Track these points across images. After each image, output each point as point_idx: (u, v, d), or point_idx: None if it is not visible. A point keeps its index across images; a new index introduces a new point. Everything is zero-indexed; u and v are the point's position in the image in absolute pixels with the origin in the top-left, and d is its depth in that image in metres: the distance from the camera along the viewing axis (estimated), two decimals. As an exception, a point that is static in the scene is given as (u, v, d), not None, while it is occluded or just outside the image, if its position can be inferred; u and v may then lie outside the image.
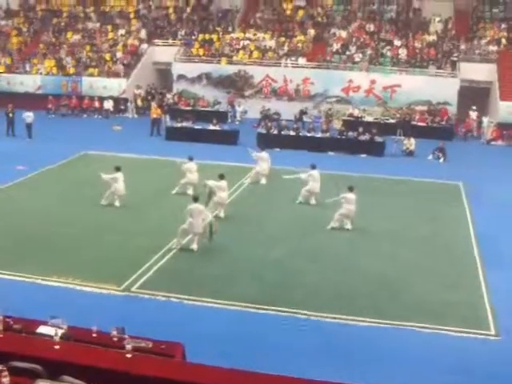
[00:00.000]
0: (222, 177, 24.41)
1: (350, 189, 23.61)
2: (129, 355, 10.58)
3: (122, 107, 49.71)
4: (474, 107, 44.98)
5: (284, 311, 17.04)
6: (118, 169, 25.33)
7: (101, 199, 25.18)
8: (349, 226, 23.61)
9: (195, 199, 21.38)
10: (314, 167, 26.84)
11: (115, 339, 11.79)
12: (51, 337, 11.10)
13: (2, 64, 53.07)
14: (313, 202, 26.74)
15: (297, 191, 26.72)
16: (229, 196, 26.04)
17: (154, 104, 44.69)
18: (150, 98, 49.79)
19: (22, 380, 9.06)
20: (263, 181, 30.04)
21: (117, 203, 25.34)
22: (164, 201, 26.39)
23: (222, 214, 24.44)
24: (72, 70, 51.29)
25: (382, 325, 16.51)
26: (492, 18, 51.83)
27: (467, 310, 17.70)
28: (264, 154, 30.18)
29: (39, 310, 13.19)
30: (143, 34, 54.13)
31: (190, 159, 27.32)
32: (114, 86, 50.27)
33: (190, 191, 26.29)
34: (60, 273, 18.82)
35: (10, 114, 39.33)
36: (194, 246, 21.05)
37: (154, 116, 42.20)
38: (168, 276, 19.33)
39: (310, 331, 16.18)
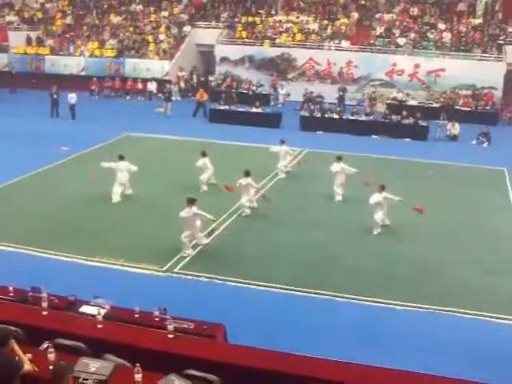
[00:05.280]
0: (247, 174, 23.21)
1: (383, 188, 21.83)
2: (170, 336, 10.71)
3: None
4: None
5: (324, 294, 17.07)
6: (121, 157, 24.56)
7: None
8: (387, 222, 22.46)
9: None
10: (339, 159, 25.36)
11: (157, 320, 11.94)
12: (94, 316, 11.27)
13: (46, 46, 53.62)
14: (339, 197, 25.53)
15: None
16: (269, 180, 26.26)
17: (201, 89, 44.46)
18: (196, 81, 50.07)
19: (67, 357, 9.22)
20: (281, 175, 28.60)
21: (128, 191, 24.82)
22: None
23: (254, 204, 23.85)
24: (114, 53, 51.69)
25: (421, 309, 16.45)
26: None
27: (509, 297, 17.56)
28: (281, 148, 28.57)
29: (82, 289, 13.35)
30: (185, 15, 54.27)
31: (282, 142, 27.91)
32: (157, 68, 50.39)
33: None
34: (103, 254, 19.09)
35: (55, 96, 39.78)
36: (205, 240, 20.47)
37: (199, 99, 42.30)
38: (210, 258, 19.47)
39: (349, 314, 16.20)
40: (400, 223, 22.55)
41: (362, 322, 15.82)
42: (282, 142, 28.64)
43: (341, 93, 44.89)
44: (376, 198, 21.69)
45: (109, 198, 24.03)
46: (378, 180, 23.06)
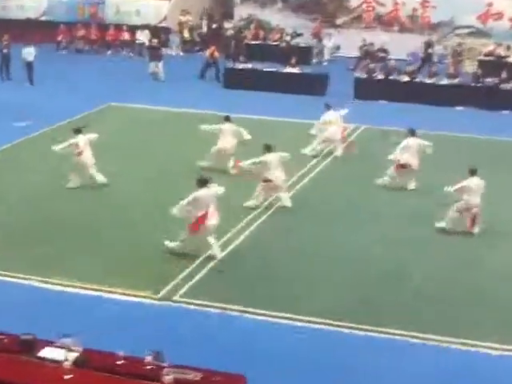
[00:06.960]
0: (268, 149, 23.56)
1: (473, 172, 21.96)
2: (169, 391, 10.77)
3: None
4: None
5: (384, 332, 16.85)
6: (77, 131, 24.93)
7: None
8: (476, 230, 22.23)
9: (204, 182, 20.14)
10: (412, 133, 25.72)
11: (150, 368, 11.98)
12: (60, 362, 11.34)
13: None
14: (411, 186, 25.65)
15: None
16: (310, 170, 26.48)
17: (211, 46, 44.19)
18: (206, 30, 50.26)
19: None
20: (337, 151, 29.16)
21: (100, 178, 24.94)
22: (215, 175, 24.21)
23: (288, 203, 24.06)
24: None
25: None
26: None
27: None
28: (331, 115, 29.24)
29: (42, 324, 13.44)
30: None
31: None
32: (151, 10, 50.40)
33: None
34: (70, 272, 18.95)
35: (5, 50, 39.80)
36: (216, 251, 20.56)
37: (209, 58, 42.39)
38: (224, 279, 19.43)
39: (423, 360, 16.02)
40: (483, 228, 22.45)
41: (450, 374, 15.68)
42: (329, 107, 29.48)
43: (430, 50, 44.63)
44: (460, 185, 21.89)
45: (76, 192, 24.29)
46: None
